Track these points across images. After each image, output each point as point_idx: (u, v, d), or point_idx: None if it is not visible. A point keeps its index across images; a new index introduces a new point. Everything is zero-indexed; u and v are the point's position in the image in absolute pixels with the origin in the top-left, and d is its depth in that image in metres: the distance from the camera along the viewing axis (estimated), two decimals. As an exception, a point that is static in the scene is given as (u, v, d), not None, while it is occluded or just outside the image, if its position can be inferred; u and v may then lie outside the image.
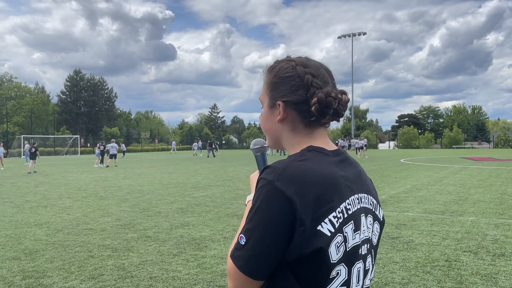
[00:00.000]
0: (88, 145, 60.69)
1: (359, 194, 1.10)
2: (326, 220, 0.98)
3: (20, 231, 7.29)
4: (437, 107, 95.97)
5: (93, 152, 47.74)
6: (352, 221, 1.04)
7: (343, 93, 1.12)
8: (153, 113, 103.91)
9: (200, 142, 53.23)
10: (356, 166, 1.16)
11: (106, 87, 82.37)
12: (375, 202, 1.17)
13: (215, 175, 18.53)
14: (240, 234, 1.01)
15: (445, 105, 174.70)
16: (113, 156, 26.32)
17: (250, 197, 1.18)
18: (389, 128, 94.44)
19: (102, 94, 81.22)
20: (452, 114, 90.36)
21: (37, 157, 22.25)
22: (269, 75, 1.18)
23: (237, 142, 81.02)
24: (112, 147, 26.40)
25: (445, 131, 75.92)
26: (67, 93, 77.76)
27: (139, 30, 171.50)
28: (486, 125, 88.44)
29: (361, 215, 1.08)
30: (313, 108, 1.09)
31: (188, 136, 78.20)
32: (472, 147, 66.80)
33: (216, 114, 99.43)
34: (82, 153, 54.41)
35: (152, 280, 4.68)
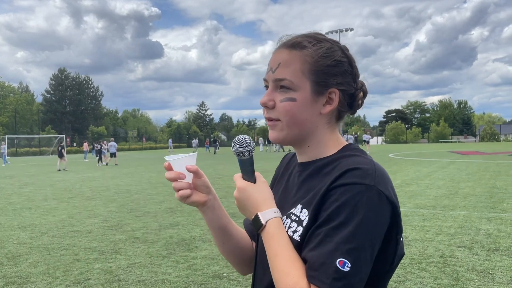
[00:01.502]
0: (74, 144, 59.86)
1: None
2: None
3: (2, 234, 7.04)
4: (424, 102, 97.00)
5: (81, 152, 47.11)
6: None
7: (363, 85, 1.05)
8: (140, 112, 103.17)
9: (195, 140, 53.43)
10: None
11: (92, 85, 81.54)
12: None
13: (205, 173, 18.19)
14: (337, 259, 0.78)
15: (431, 100, 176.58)
16: (113, 155, 26.49)
17: (269, 214, 0.93)
18: (377, 124, 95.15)
19: (88, 93, 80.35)
20: (438, 109, 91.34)
21: (64, 156, 23.23)
22: (312, 53, 0.95)
23: (226, 140, 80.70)
24: (111, 145, 26.60)
25: (432, 126, 76.72)
26: (52, 92, 76.73)
27: (125, 27, 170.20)
28: (471, 119, 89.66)
29: None
30: (360, 101, 1.00)
31: (176, 135, 77.66)
32: (459, 141, 67.61)
33: (204, 111, 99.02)
34: (68, 152, 53.58)
35: (141, 284, 4.51)
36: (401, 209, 7.64)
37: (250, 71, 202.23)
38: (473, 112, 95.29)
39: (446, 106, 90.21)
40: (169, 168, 1.07)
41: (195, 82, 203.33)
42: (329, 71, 0.95)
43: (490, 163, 19.39)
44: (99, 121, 77.44)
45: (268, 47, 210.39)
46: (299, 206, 0.94)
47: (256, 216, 0.94)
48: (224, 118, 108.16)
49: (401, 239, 0.90)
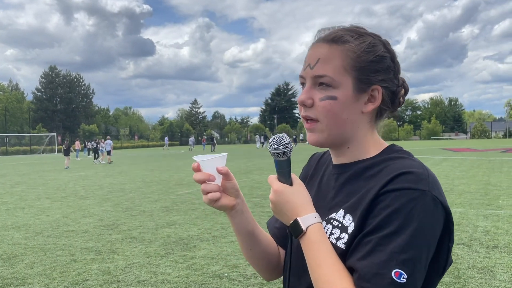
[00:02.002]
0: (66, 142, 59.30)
1: None
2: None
3: (-4, 235, 6.92)
4: (415, 100, 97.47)
5: (72, 150, 46.68)
6: None
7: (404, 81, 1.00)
8: (132, 109, 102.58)
9: (192, 138, 53.55)
10: None
11: (83, 83, 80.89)
12: None
13: (198, 171, 18.21)
14: (393, 270, 0.73)
15: (422, 97, 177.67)
16: (108, 153, 26.86)
17: (310, 220, 0.87)
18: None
19: (79, 91, 79.71)
20: (429, 106, 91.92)
21: (70, 153, 24.32)
22: (354, 48, 0.89)
23: (218, 138, 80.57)
24: (108, 144, 26.74)
25: (424, 123, 77.22)
26: (42, 90, 75.98)
27: (116, 25, 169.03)
28: (462, 117, 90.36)
29: None
30: (401, 98, 0.94)
31: (168, 132, 77.35)
32: (450, 138, 68.16)
33: (196, 109, 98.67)
34: (59, 151, 53.13)
35: (141, 285, 4.45)
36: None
37: (242, 68, 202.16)
38: (463, 109, 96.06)
39: (437, 103, 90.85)
40: (198, 169, 1.01)
41: (187, 80, 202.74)
42: (372, 67, 0.89)
43: (483, 160, 19.54)
44: (90, 119, 76.83)
45: (260, 45, 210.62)
46: (341, 211, 0.88)
47: (295, 222, 0.88)
48: (217, 116, 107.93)
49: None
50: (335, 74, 0.88)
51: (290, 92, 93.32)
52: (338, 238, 0.85)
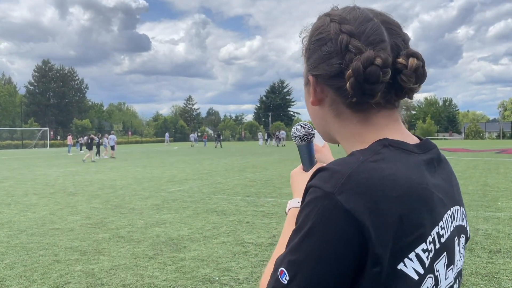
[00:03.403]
0: (58, 138, 58.75)
1: (452, 208, 0.78)
2: (412, 255, 0.67)
3: (-23, 232, 6.62)
4: (410, 100, 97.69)
5: (64, 145, 46.26)
6: (445, 253, 0.73)
7: (410, 55, 0.74)
8: (126, 105, 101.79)
9: (196, 134, 53.58)
10: (447, 164, 0.83)
11: (77, 78, 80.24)
12: (465, 214, 0.85)
13: (191, 168, 17.98)
14: (280, 268, 0.68)
15: (417, 98, 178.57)
16: (112, 148, 26.75)
17: (293, 203, 0.90)
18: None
19: (73, 85, 79.04)
20: (424, 106, 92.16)
21: (93, 147, 24.42)
22: (305, 35, 0.83)
23: (212, 134, 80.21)
24: (111, 139, 26.52)
25: (418, 123, 77.43)
26: (35, 84, 75.21)
27: (111, 19, 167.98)
28: (456, 117, 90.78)
29: (455, 239, 0.78)
30: (348, 84, 0.73)
31: (162, 129, 76.87)
32: (445, 138, 68.38)
33: (191, 106, 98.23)
34: (51, 146, 52.58)
35: (125, 288, 4.19)
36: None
37: (238, 65, 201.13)
38: (458, 110, 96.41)
39: (431, 103, 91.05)
40: None
41: (182, 76, 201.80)
42: (308, 56, 0.81)
43: (479, 161, 19.43)
44: (83, 114, 76.14)
45: (256, 42, 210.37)
46: None
47: (288, 203, 0.93)
48: (211, 113, 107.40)
49: (397, 273, 0.66)
50: (304, 71, 0.85)
51: (285, 90, 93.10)
52: None
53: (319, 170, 0.70)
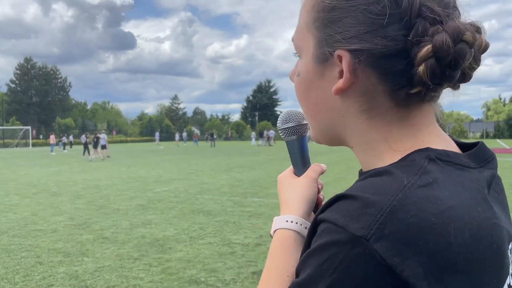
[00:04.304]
0: (41, 137, 57.80)
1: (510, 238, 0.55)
2: None
3: (-43, 234, 6.46)
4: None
5: (47, 145, 45.49)
6: None
7: (477, 30, 0.53)
8: (110, 104, 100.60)
9: (185, 133, 53.49)
10: (500, 179, 0.60)
11: (60, 76, 79.16)
12: None
13: (177, 168, 17.86)
14: None
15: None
16: (104, 147, 26.21)
17: (280, 223, 0.66)
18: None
19: (55, 84, 77.95)
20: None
21: (98, 146, 24.11)
22: None
23: (199, 134, 79.97)
24: (102, 138, 26.20)
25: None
26: (16, 82, 73.95)
27: (96, 17, 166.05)
28: (441, 117, 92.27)
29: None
30: (421, 67, 0.50)
31: (148, 128, 76.28)
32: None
33: (177, 105, 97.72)
34: (34, 145, 51.69)
35: (110, 291, 4.12)
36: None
37: (224, 64, 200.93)
38: (442, 109, 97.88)
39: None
40: None
41: (168, 75, 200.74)
42: (333, 19, 0.55)
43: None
44: (66, 113, 75.09)
45: (243, 41, 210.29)
46: None
47: (273, 220, 0.69)
48: (197, 112, 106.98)
49: None
50: (298, 35, 0.61)
51: (272, 90, 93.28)
52: None
53: (339, 198, 0.50)
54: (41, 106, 73.87)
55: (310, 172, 0.71)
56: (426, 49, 0.50)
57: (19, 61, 78.84)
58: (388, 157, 0.55)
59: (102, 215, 7.71)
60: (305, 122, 0.72)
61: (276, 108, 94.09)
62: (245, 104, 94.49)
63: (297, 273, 0.51)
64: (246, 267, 4.73)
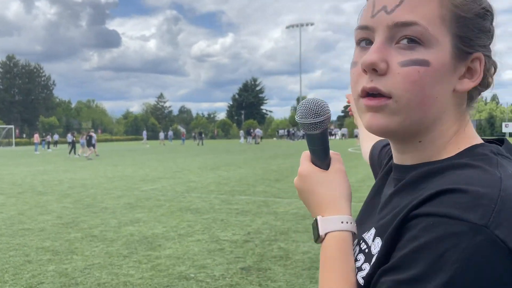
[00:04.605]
0: (24, 136, 56.91)
1: None
2: None
3: None
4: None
5: (31, 144, 44.85)
6: None
7: None
8: (95, 102, 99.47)
9: (170, 132, 53.15)
10: None
11: (43, 74, 78.05)
12: None
13: (164, 166, 17.85)
14: None
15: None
16: (93, 146, 25.63)
17: (333, 224, 0.66)
18: (335, 119, 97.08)
19: (39, 82, 76.84)
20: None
21: (92, 144, 23.98)
22: None
23: (185, 132, 79.64)
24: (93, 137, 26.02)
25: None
26: (-1, 80, 72.55)
27: (80, 14, 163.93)
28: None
29: None
30: (491, 78, 0.65)
31: (133, 126, 75.68)
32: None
33: (162, 103, 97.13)
34: (17, 144, 50.91)
35: (101, 287, 4.17)
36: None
37: (210, 63, 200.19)
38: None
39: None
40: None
41: (154, 73, 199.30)
42: (477, 23, 0.61)
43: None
44: (50, 112, 74.08)
45: (229, 39, 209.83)
46: (372, 231, 0.65)
47: (315, 222, 0.67)
48: (183, 111, 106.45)
49: None
50: (430, 24, 0.59)
51: (257, 88, 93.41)
52: (359, 269, 0.64)
53: (442, 192, 0.53)
54: (24, 105, 72.72)
55: (339, 165, 0.72)
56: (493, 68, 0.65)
57: (2, 59, 77.36)
58: (450, 150, 0.63)
59: (90, 214, 7.72)
60: (327, 113, 0.68)
61: (262, 107, 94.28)
62: (231, 103, 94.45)
63: (397, 269, 0.53)
64: (234, 263, 4.82)
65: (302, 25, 68.71)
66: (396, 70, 0.59)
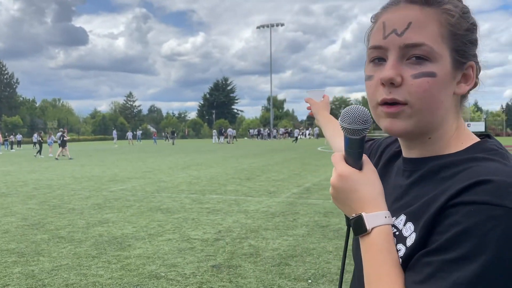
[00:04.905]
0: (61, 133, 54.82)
1: None
2: None
3: None
4: (348, 98, 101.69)
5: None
6: None
7: None
8: (61, 101, 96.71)
9: (139, 132, 52.00)
10: None
11: (6, 71, 75.40)
12: None
13: (133, 166, 17.60)
14: None
15: (355, 96, 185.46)
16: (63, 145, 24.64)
17: (378, 219, 0.73)
18: (305, 118, 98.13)
19: (1, 80, 74.21)
20: (361, 104, 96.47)
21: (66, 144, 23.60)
22: (452, 10, 0.74)
23: (156, 132, 78.55)
24: (58, 136, 25.18)
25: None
26: (-42, 77, 69.46)
27: (44, 10, 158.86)
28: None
29: None
30: (477, 79, 0.78)
31: (101, 126, 74.06)
32: (381, 135, 72.03)
33: (131, 102, 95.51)
34: (-22, 144, 48.83)
35: (69, 288, 4.12)
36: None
37: (180, 62, 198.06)
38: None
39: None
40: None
41: (122, 72, 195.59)
42: (468, 37, 0.75)
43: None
44: (14, 111, 71.54)
45: (199, 39, 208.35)
46: (402, 217, 0.74)
47: (360, 217, 0.73)
48: (153, 110, 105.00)
49: None
50: (434, 43, 0.71)
51: (229, 88, 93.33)
52: None
53: (476, 183, 0.63)
54: (-15, 103, 69.95)
55: (371, 166, 0.79)
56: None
57: (-40, 55, 74.10)
58: (454, 145, 0.75)
59: (56, 215, 7.56)
60: (370, 122, 0.76)
61: (233, 106, 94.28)
62: (202, 102, 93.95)
63: (443, 250, 0.62)
64: (205, 261, 4.85)
65: (272, 25, 69.09)
66: (410, 82, 0.72)
